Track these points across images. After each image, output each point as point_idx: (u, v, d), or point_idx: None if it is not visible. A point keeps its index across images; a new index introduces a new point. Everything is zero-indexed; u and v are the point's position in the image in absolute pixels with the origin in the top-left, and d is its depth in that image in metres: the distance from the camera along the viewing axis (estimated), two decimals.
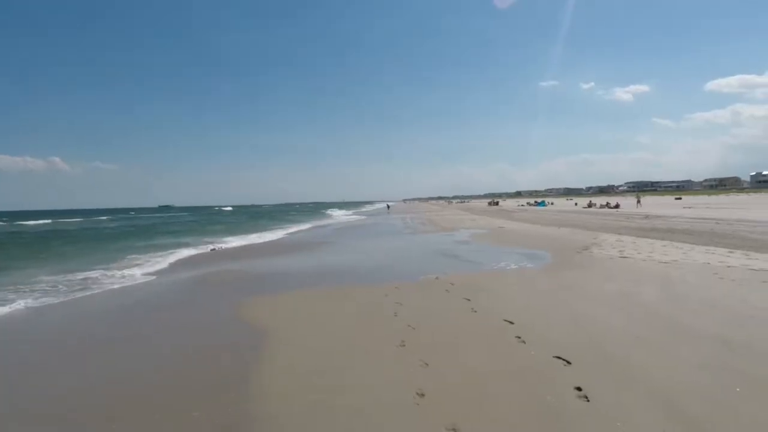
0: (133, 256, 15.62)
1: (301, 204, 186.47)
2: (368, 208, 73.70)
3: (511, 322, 5.45)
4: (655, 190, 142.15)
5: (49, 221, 58.17)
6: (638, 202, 45.89)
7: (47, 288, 9.62)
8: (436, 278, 8.68)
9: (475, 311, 6.10)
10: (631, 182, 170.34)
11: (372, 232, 23.73)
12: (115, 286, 9.71)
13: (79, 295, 8.90)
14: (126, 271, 11.72)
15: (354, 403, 3.58)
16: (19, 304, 8.01)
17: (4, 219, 72.29)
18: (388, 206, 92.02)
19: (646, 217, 25.57)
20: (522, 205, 64.67)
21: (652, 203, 50.13)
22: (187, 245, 19.52)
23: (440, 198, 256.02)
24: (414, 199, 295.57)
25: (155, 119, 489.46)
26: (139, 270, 12.05)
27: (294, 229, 30.66)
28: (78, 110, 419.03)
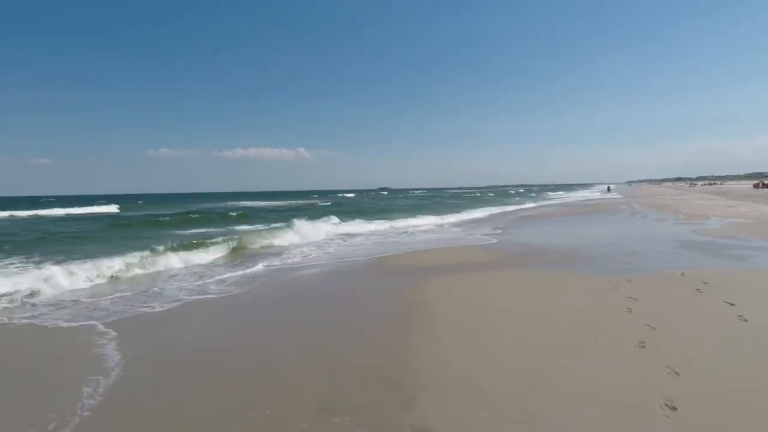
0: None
1: (512, 186, 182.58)
2: (576, 194, 66.28)
3: None
4: None
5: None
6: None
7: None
8: (682, 274, 7.27)
9: (745, 320, 4.87)
10: None
11: (593, 218, 21.45)
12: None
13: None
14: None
15: (586, 394, 3.36)
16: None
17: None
18: (609, 188, 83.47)
19: None
20: None
21: None
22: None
23: (678, 179, 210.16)
24: (642, 181, 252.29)
25: (373, 112, 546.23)
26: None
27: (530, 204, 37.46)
28: (318, 109, 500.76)
